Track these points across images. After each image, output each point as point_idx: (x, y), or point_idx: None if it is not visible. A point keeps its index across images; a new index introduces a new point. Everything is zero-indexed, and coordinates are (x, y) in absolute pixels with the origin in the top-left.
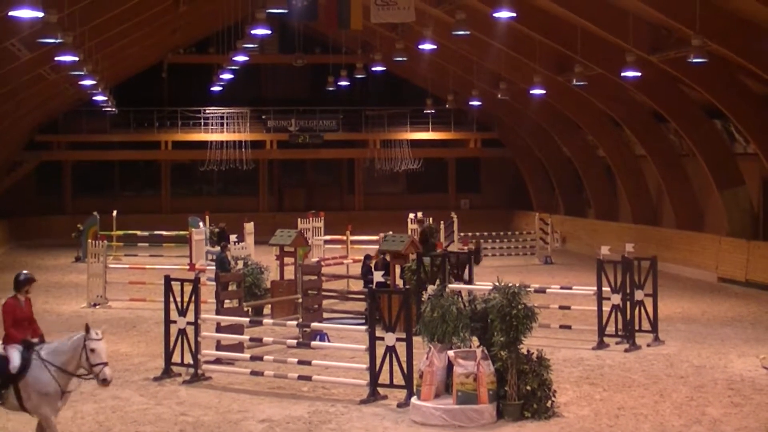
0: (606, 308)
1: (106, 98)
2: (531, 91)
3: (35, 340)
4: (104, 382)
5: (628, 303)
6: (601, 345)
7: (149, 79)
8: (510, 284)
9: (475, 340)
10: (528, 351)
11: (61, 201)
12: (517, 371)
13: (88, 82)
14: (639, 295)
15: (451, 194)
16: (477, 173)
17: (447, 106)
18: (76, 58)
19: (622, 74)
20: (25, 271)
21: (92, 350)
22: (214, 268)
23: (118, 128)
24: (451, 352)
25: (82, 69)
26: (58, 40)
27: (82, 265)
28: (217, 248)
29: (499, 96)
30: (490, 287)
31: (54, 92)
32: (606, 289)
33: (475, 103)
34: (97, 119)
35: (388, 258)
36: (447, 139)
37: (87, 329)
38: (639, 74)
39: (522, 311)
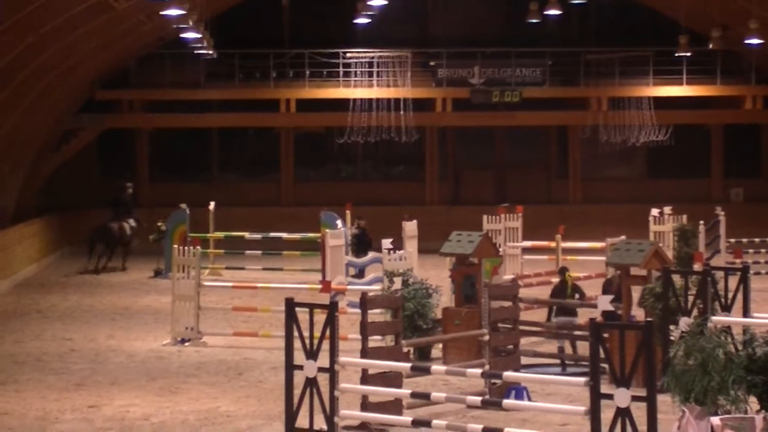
0: None
1: (199, 36)
2: None
3: None
4: None
5: None
6: None
7: (263, 8)
8: None
9: (754, 402)
10: None
11: (134, 187)
12: None
13: (173, 12)
14: None
15: (716, 180)
16: (756, 148)
17: (710, 46)
18: None
19: None
20: None
21: None
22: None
23: (218, 81)
24: (716, 419)
25: None
26: None
27: (164, 282)
28: (369, 255)
29: None
30: None
31: (124, 27)
32: None
33: (754, 41)
34: (186, 68)
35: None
36: (710, 96)
37: None
38: None
39: None
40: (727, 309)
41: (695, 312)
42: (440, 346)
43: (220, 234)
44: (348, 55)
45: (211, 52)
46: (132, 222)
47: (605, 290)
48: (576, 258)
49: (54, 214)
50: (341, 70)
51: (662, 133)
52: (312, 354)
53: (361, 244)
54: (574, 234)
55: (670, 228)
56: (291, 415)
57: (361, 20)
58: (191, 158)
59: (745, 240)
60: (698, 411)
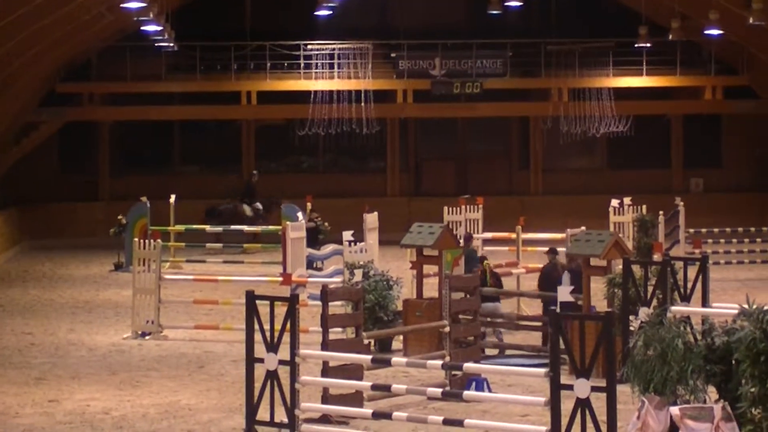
0: None
1: (161, 29)
2: None
3: None
4: None
5: None
6: None
7: (224, 0)
8: (765, 307)
9: (713, 391)
10: None
11: (95, 181)
12: None
13: (134, 5)
14: None
15: (675, 170)
16: (716, 138)
17: (670, 37)
18: None
19: None
20: None
21: None
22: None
23: (179, 73)
24: (675, 409)
25: None
26: None
27: (124, 276)
28: (329, 248)
29: (750, 21)
30: (735, 311)
31: (85, 20)
32: None
33: (714, 32)
34: (147, 60)
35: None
36: (670, 86)
37: None
38: None
39: None
40: (686, 299)
41: (655, 302)
42: (401, 337)
43: (181, 227)
44: (309, 46)
45: (172, 44)
46: (258, 205)
47: (549, 276)
48: (536, 249)
49: (13, 209)
50: (302, 62)
51: (622, 123)
52: (273, 347)
53: (314, 238)
54: (534, 225)
55: (630, 218)
56: (252, 407)
57: (322, 12)
58: (152, 151)
59: (704, 230)
60: (657, 401)
